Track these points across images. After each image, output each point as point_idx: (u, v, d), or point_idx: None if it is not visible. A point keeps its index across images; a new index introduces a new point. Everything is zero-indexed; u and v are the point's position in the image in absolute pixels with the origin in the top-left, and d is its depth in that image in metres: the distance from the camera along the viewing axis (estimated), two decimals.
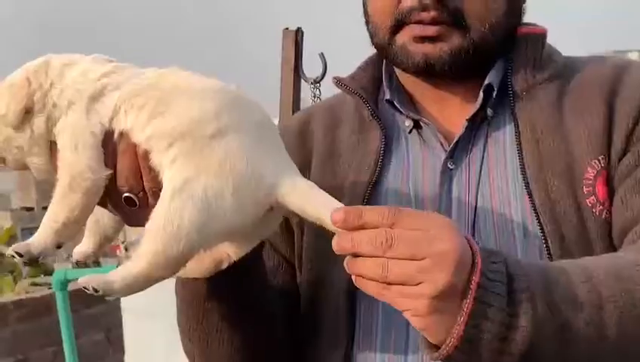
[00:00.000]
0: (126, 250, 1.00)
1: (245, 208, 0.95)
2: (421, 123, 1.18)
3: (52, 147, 0.99)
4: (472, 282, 0.87)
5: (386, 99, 1.21)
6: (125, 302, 3.43)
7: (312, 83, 3.23)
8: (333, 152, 1.22)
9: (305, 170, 1.20)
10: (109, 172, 0.97)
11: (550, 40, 1.20)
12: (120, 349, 3.53)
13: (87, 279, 0.95)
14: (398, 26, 1.15)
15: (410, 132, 1.19)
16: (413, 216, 0.88)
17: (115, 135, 0.97)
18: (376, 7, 1.19)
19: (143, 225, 0.96)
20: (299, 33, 3.18)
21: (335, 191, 1.01)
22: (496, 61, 1.17)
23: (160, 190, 0.95)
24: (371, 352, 1.14)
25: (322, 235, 0.97)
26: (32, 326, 4.41)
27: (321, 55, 3.12)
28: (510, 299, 0.89)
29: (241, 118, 0.98)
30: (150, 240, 0.94)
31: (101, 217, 1.05)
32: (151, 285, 0.97)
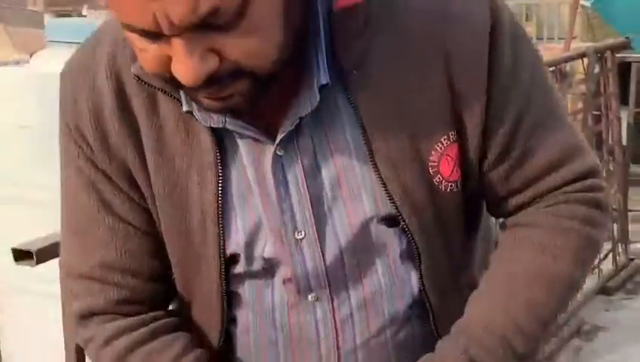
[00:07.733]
0: None
1: None
2: (239, 132, 1.05)
3: None
4: None
5: (186, 111, 1.03)
6: None
7: None
8: (162, 148, 1.07)
9: (138, 147, 1.08)
10: None
11: None
12: None
13: None
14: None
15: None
16: None
17: None
18: (145, 57, 0.94)
19: None
20: None
21: (182, 202, 1.06)
22: (317, 51, 1.02)
23: None
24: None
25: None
26: None
27: None
28: None
29: None
30: None
31: None
32: None
